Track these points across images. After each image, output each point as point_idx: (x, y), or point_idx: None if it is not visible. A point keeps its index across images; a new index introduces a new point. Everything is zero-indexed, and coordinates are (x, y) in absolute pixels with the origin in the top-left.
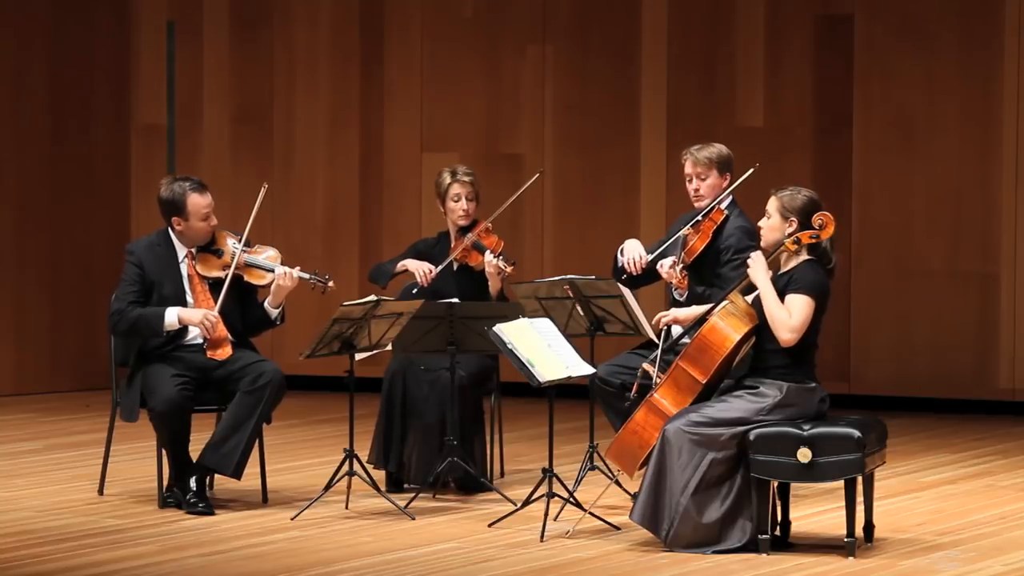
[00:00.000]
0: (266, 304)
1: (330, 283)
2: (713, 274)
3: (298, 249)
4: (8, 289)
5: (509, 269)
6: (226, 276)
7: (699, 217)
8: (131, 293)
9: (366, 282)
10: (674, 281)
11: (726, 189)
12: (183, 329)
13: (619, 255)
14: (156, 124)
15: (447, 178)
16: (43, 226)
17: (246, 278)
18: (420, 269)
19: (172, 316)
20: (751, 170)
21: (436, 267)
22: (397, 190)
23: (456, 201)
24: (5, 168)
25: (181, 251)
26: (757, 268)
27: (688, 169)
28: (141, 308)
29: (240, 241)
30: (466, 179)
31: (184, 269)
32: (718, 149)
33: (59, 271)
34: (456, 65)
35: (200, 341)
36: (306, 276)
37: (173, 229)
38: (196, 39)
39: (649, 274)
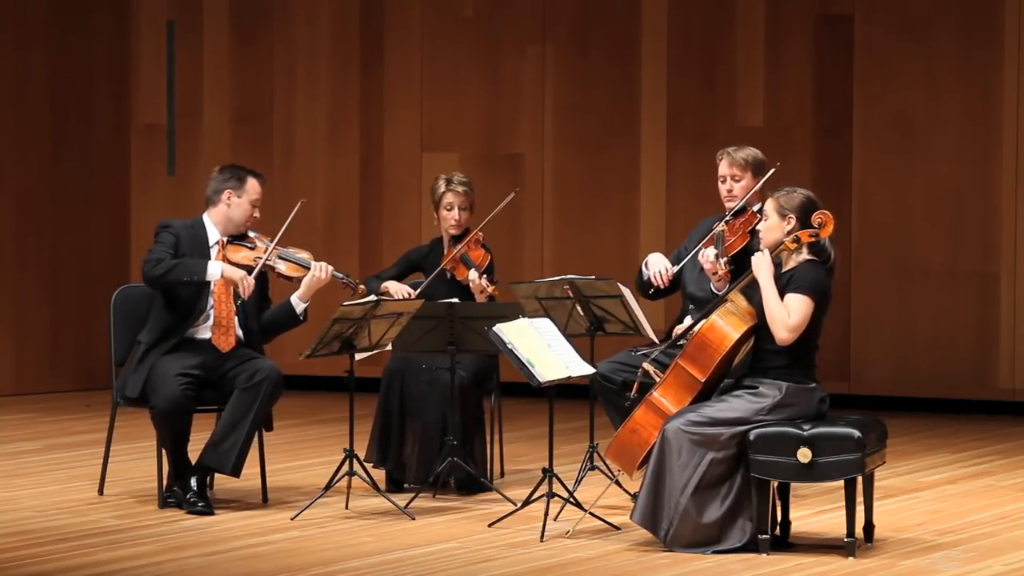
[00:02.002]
0: (294, 298)
1: (360, 286)
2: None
3: None
4: (8, 289)
5: (491, 289)
6: (257, 264)
7: (728, 217)
8: (166, 253)
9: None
10: (720, 272)
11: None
12: (195, 320)
13: (644, 268)
14: (156, 124)
15: (442, 186)
16: (43, 226)
17: (279, 269)
18: (400, 293)
19: (216, 268)
20: (772, 170)
21: (425, 278)
22: (397, 190)
23: (449, 210)
24: (5, 168)
25: (213, 237)
26: (761, 266)
27: (723, 170)
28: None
29: (273, 240)
30: (460, 189)
31: (213, 254)
32: (754, 152)
33: (59, 271)
34: (456, 65)
35: (209, 335)
36: (340, 276)
37: (221, 202)
38: (196, 39)
39: (675, 284)
